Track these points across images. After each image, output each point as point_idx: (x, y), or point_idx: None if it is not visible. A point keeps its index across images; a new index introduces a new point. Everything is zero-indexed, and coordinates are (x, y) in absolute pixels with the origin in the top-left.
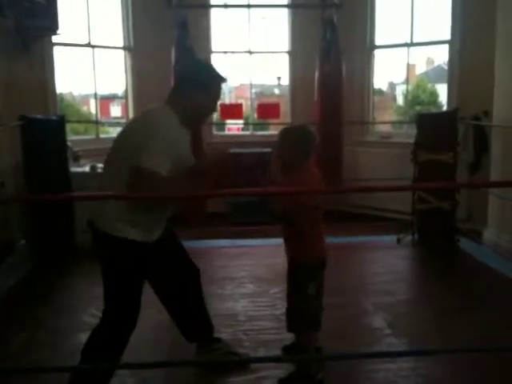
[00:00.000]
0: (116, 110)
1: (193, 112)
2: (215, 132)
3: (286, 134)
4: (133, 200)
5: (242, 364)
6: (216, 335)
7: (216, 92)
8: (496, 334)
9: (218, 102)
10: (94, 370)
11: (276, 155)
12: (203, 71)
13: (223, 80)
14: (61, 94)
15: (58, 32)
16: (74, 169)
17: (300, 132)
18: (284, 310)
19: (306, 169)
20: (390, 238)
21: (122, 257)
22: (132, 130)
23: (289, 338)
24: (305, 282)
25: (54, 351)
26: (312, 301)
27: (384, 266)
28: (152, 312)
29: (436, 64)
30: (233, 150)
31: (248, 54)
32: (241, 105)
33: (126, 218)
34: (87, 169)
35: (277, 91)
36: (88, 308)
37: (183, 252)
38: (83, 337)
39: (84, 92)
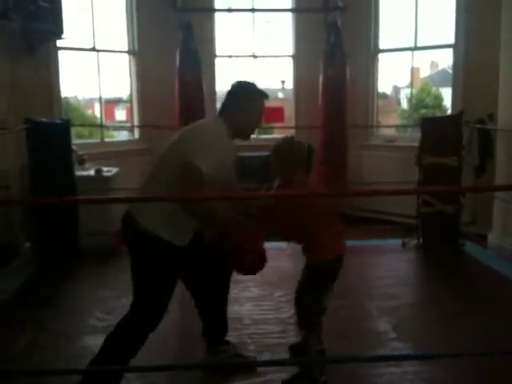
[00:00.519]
0: (121, 114)
1: (242, 127)
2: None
3: (274, 149)
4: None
5: (249, 367)
6: None
7: (262, 107)
8: (500, 338)
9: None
10: (103, 372)
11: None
12: (251, 90)
13: (267, 97)
14: (66, 98)
15: (63, 36)
16: (79, 172)
17: (286, 146)
18: (288, 313)
19: (300, 182)
20: (395, 242)
21: (158, 256)
22: (190, 137)
23: (294, 341)
24: (315, 282)
25: (57, 354)
26: (319, 299)
27: (388, 269)
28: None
29: (440, 68)
30: (237, 154)
31: (252, 58)
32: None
33: (164, 220)
34: (92, 172)
35: (281, 95)
36: (92, 311)
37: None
38: (87, 340)
39: (89, 96)
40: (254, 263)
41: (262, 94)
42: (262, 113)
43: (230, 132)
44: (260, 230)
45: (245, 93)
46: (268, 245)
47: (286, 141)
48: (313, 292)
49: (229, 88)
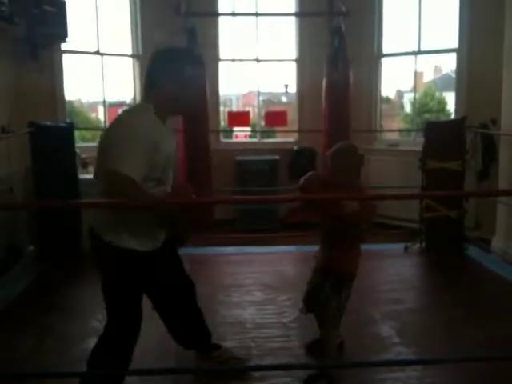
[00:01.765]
0: None
1: (169, 103)
2: (222, 139)
3: (345, 149)
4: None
5: (244, 371)
6: (223, 342)
7: (189, 76)
8: (504, 343)
9: (200, 90)
10: (102, 377)
11: (326, 175)
12: (167, 56)
13: (190, 60)
14: (69, 101)
15: (68, 40)
16: (82, 175)
17: (355, 148)
18: (291, 317)
19: (360, 186)
20: (398, 246)
21: (121, 265)
22: (107, 133)
23: (297, 345)
24: (341, 289)
25: (61, 356)
26: (342, 306)
27: (392, 273)
28: (159, 321)
29: (444, 72)
30: (240, 158)
31: (256, 62)
32: (248, 112)
33: (123, 227)
34: None
35: (284, 99)
36: (96, 314)
37: (180, 265)
38: (91, 342)
39: (92, 99)
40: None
41: (181, 59)
42: (190, 82)
43: (161, 113)
44: None
45: (168, 66)
46: (273, 249)
47: (352, 144)
48: (341, 301)
49: (149, 62)
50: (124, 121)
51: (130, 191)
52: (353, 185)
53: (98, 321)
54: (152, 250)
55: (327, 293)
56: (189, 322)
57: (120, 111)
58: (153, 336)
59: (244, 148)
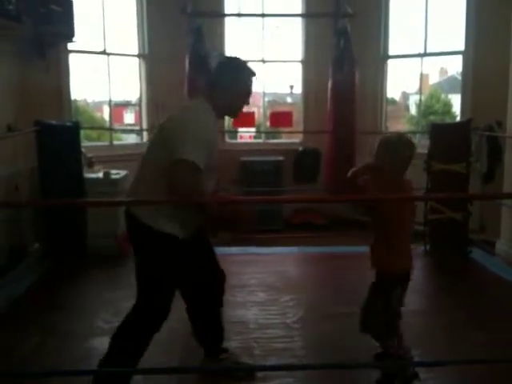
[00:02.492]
0: (129, 117)
1: (228, 105)
2: (227, 140)
3: (394, 141)
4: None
5: (250, 373)
6: (227, 342)
7: (249, 85)
8: (506, 345)
9: (250, 97)
10: (111, 373)
11: (373, 165)
12: (237, 67)
13: (254, 74)
14: (75, 101)
15: (74, 39)
16: (88, 175)
17: (409, 140)
18: (294, 318)
19: (405, 181)
20: None
21: (164, 251)
22: (171, 125)
23: (300, 346)
24: (389, 291)
25: (64, 355)
26: (392, 311)
27: None
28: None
29: (449, 74)
30: (245, 158)
31: (261, 63)
32: (253, 113)
33: (164, 212)
34: (100, 175)
35: (289, 100)
36: (100, 312)
37: (213, 256)
38: (95, 341)
39: (98, 99)
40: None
41: (250, 71)
42: (249, 90)
43: (216, 111)
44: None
45: (232, 70)
46: (276, 250)
47: (401, 135)
48: (388, 305)
49: (215, 67)
50: (190, 115)
51: (195, 179)
52: (394, 178)
53: (102, 320)
54: (187, 238)
55: (371, 297)
56: (210, 318)
57: (181, 106)
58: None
59: (249, 149)
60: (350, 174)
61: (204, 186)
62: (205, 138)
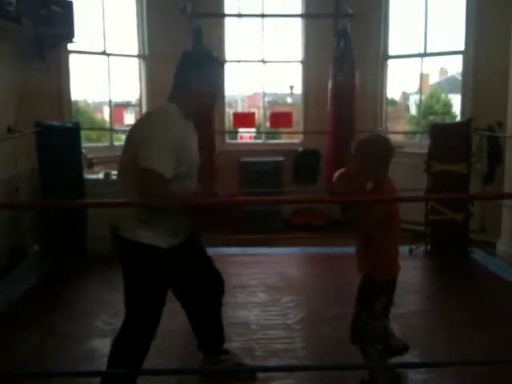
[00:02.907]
0: (130, 118)
1: (194, 102)
2: (227, 140)
3: (370, 142)
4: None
5: (252, 374)
6: (228, 343)
7: (214, 76)
8: (508, 346)
9: (220, 90)
10: (112, 376)
11: (352, 169)
12: (197, 57)
13: (219, 63)
14: (75, 101)
15: (74, 40)
16: (88, 175)
17: (386, 140)
18: (295, 319)
19: (388, 181)
20: (403, 249)
21: (144, 263)
22: (134, 132)
23: (301, 347)
24: (373, 298)
25: (64, 356)
26: (378, 317)
27: None
28: (163, 319)
29: (450, 74)
30: (245, 159)
31: (261, 63)
32: (253, 113)
33: (146, 224)
34: (101, 176)
35: (289, 100)
36: (100, 314)
37: (207, 260)
38: (94, 342)
39: (98, 99)
40: None
41: (214, 62)
42: (215, 82)
43: (185, 113)
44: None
45: (193, 65)
46: (277, 250)
47: (382, 135)
48: (372, 312)
49: (177, 62)
50: (152, 121)
51: (161, 187)
52: (375, 179)
53: (102, 321)
54: (174, 247)
55: (360, 299)
56: (209, 321)
57: (145, 112)
58: (158, 334)
59: (249, 149)
60: (335, 182)
61: (174, 190)
62: (170, 143)
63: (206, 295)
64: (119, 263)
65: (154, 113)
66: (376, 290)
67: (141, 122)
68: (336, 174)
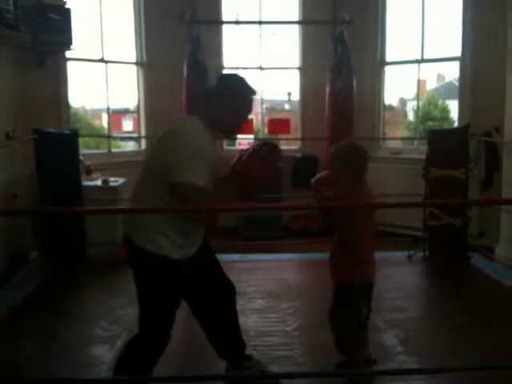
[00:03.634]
0: (128, 125)
1: (225, 124)
2: (226, 147)
3: (346, 150)
4: (173, 214)
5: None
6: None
7: (247, 104)
8: (507, 351)
9: (249, 115)
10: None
11: (330, 176)
12: (236, 84)
13: (253, 92)
14: (74, 108)
15: (72, 47)
16: (86, 182)
17: (360, 148)
18: (294, 326)
19: (367, 188)
20: (401, 254)
21: (158, 273)
22: (163, 144)
23: (299, 354)
24: (348, 303)
25: (64, 363)
26: (354, 322)
27: (395, 282)
28: None
29: (447, 80)
30: None
31: (259, 70)
32: (251, 120)
33: (163, 235)
34: (99, 182)
35: (287, 107)
36: (99, 320)
37: (218, 268)
38: (94, 349)
39: (96, 106)
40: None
41: (249, 89)
42: (247, 110)
43: (211, 130)
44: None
45: (230, 90)
46: (275, 256)
47: (356, 143)
48: (356, 314)
49: (213, 83)
50: (183, 134)
51: (200, 198)
52: (352, 186)
53: (101, 327)
54: (188, 258)
55: (336, 304)
56: (225, 329)
57: (172, 128)
58: None
59: None
60: (312, 184)
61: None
62: (200, 157)
63: (220, 302)
64: (132, 271)
65: (183, 129)
66: (354, 293)
67: (172, 134)
68: (314, 180)
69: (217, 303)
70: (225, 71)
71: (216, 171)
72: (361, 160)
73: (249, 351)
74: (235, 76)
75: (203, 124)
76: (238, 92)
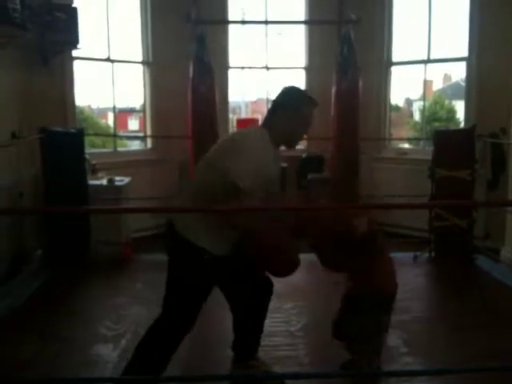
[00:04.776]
0: (134, 124)
1: (286, 135)
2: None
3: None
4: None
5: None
6: (230, 351)
7: (309, 116)
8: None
9: (309, 126)
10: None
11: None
12: (298, 96)
13: (314, 104)
14: (79, 107)
15: (79, 46)
16: (92, 181)
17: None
18: (298, 326)
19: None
20: (407, 255)
21: (196, 265)
22: (226, 150)
23: (304, 354)
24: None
25: (67, 362)
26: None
27: (400, 283)
28: None
29: (453, 81)
30: None
31: (265, 70)
32: (257, 119)
33: (206, 229)
34: (104, 181)
35: None
36: (102, 320)
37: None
38: (97, 348)
39: (102, 105)
40: (287, 264)
41: (310, 102)
42: (309, 121)
43: (274, 141)
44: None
45: (292, 102)
46: None
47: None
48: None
49: (276, 95)
50: (247, 144)
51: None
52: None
53: (105, 327)
54: (225, 255)
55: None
56: (251, 326)
57: (239, 132)
58: None
59: None
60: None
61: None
62: (258, 165)
63: (258, 298)
64: (169, 259)
65: (250, 137)
66: (365, 305)
67: (237, 142)
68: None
69: (253, 299)
70: (230, 71)
71: (272, 183)
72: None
73: None
74: (296, 89)
75: (271, 138)
76: (299, 104)
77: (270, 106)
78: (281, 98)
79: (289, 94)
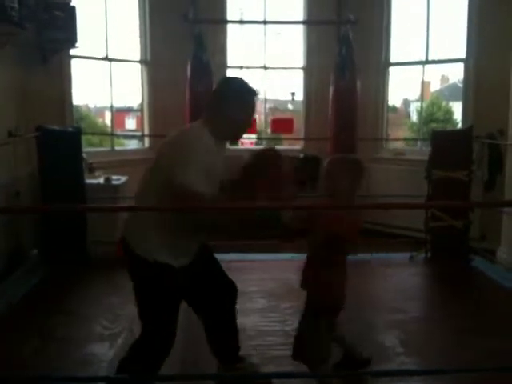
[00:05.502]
0: (131, 123)
1: (229, 128)
2: (228, 146)
3: (342, 162)
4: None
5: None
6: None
7: (250, 106)
8: (508, 354)
9: (251, 118)
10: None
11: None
12: (236, 86)
13: (256, 94)
14: (77, 106)
15: (76, 45)
16: (89, 180)
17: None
18: (294, 325)
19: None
20: (403, 256)
21: (156, 281)
22: (167, 149)
23: None
24: (314, 320)
25: (63, 361)
26: (319, 338)
27: (396, 283)
28: None
29: (451, 82)
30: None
31: (263, 70)
32: (254, 119)
33: (160, 242)
34: (101, 180)
35: (291, 106)
36: (99, 319)
37: (218, 268)
38: (93, 347)
39: (100, 104)
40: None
41: (250, 92)
42: (250, 112)
43: (218, 135)
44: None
45: (236, 93)
46: (276, 256)
47: (353, 157)
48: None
49: (216, 87)
50: (186, 142)
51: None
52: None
53: (101, 325)
54: (185, 266)
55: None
56: (224, 330)
57: (179, 130)
58: None
59: None
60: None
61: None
62: (201, 163)
63: (221, 303)
64: (129, 277)
65: (186, 132)
66: (318, 312)
67: (176, 140)
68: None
69: (217, 304)
70: (229, 71)
71: (214, 185)
72: (357, 174)
73: (248, 351)
74: (235, 78)
75: (212, 133)
76: (242, 95)
77: (210, 98)
78: (223, 88)
79: (230, 84)
